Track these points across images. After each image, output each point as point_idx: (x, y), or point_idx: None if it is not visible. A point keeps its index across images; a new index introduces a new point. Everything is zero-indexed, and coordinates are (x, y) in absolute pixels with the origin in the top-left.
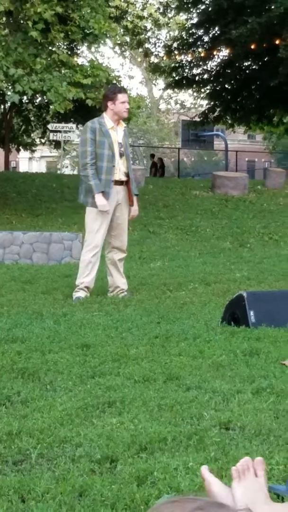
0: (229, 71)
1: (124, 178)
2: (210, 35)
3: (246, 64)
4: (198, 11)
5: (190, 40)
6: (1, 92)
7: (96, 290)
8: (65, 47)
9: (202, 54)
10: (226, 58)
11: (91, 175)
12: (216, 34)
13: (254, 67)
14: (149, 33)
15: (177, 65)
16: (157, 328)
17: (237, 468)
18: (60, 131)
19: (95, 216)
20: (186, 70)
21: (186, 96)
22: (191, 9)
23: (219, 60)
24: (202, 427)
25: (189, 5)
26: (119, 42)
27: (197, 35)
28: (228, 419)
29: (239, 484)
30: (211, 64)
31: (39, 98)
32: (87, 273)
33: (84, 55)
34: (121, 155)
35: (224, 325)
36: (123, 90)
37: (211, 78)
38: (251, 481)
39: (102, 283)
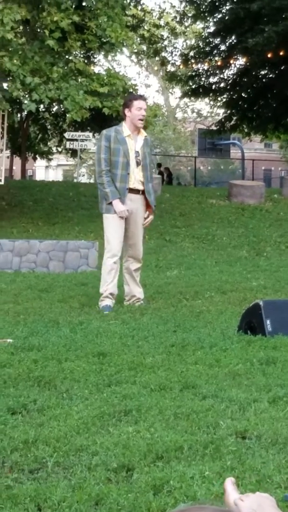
0: (245, 79)
1: (140, 187)
2: (227, 43)
3: (262, 72)
4: (214, 20)
5: (206, 49)
6: (18, 100)
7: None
8: (81, 55)
9: (219, 63)
10: (243, 66)
11: (106, 182)
12: (232, 43)
13: (270, 75)
14: (165, 42)
15: (193, 73)
16: (174, 336)
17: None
18: (76, 140)
19: (111, 222)
20: (203, 79)
21: (203, 105)
22: (208, 18)
23: (235, 69)
24: (218, 436)
25: (206, 14)
26: (135, 50)
27: (213, 44)
28: (245, 428)
29: (247, 497)
30: (228, 73)
31: (56, 107)
32: (110, 280)
33: (101, 64)
34: (137, 163)
35: (241, 333)
36: (139, 97)
37: (228, 87)
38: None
39: (119, 292)
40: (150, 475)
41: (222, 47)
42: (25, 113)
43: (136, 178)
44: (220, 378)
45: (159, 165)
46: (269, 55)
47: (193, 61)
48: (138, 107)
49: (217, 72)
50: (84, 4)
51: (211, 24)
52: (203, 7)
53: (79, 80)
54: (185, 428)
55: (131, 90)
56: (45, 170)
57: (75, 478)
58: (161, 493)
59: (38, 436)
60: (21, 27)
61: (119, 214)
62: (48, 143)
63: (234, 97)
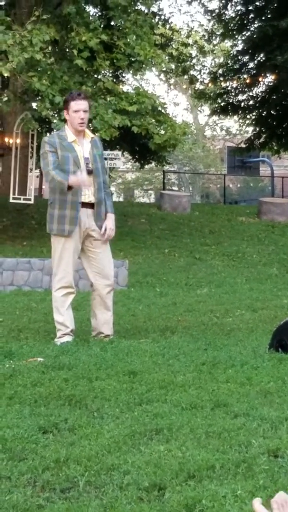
0: (274, 97)
1: (94, 200)
2: (255, 61)
3: None
4: (243, 38)
5: (235, 67)
6: (47, 120)
7: (143, 316)
8: (110, 74)
9: (248, 81)
10: (272, 84)
11: (55, 174)
12: (261, 60)
13: None
14: (194, 60)
15: (222, 91)
16: (204, 354)
17: (277, 500)
18: (105, 159)
19: (64, 245)
20: (232, 97)
21: (232, 123)
22: (236, 36)
23: (264, 86)
24: (250, 454)
25: (234, 32)
26: (164, 69)
27: (242, 62)
28: (277, 446)
29: None
30: (257, 90)
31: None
32: (67, 314)
33: (129, 82)
34: (88, 172)
35: (272, 351)
36: (77, 96)
37: (257, 104)
38: None
39: (149, 310)
40: (182, 494)
41: (251, 65)
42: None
43: (89, 190)
44: (251, 396)
45: None
46: None
47: (221, 79)
48: (75, 109)
49: (246, 89)
50: (112, 23)
51: (239, 42)
52: (231, 25)
53: (108, 99)
54: (217, 447)
55: (160, 109)
56: None
57: (106, 497)
58: None
59: (69, 455)
60: (50, 47)
61: (82, 183)
62: None
63: (263, 114)
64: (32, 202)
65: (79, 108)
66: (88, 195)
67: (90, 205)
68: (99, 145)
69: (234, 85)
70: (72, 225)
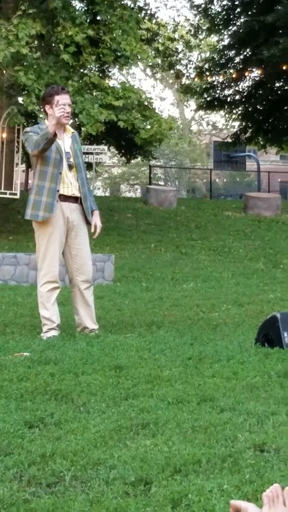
0: (261, 91)
1: (77, 194)
2: (242, 56)
3: (278, 85)
4: (229, 32)
5: (221, 61)
6: (33, 114)
7: (129, 311)
8: (96, 69)
9: (234, 75)
10: (258, 79)
11: (37, 137)
12: (247, 55)
13: (286, 87)
14: (180, 55)
15: (208, 86)
16: (190, 349)
17: (268, 494)
18: (91, 153)
19: (47, 233)
20: (218, 91)
21: (218, 117)
22: (222, 31)
23: (250, 81)
24: (236, 449)
25: (220, 27)
26: (150, 64)
27: (228, 56)
28: (263, 441)
29: (270, 510)
30: (243, 85)
31: (71, 121)
32: (53, 309)
33: (116, 77)
34: (70, 166)
35: (258, 346)
36: (61, 90)
37: (243, 99)
38: (281, 509)
39: (135, 304)
40: (168, 489)
41: (237, 60)
42: None
43: (72, 183)
44: (237, 391)
45: None
46: (284, 67)
47: (208, 73)
48: (61, 103)
49: (232, 84)
50: (98, 18)
51: (225, 36)
52: (218, 20)
53: (94, 93)
54: (203, 442)
55: (146, 103)
56: None
57: (92, 492)
58: (179, 506)
59: (55, 449)
60: (36, 42)
61: (58, 116)
62: None
63: (250, 109)
64: (18, 197)
65: (64, 102)
66: (70, 188)
67: (73, 199)
68: (79, 140)
69: (220, 80)
70: (47, 212)
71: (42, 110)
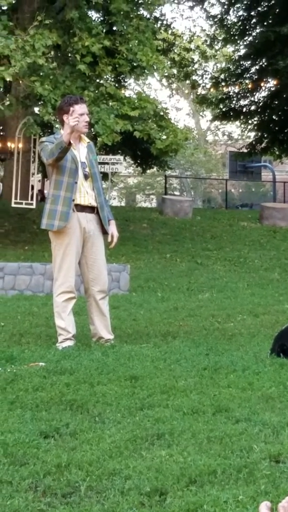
0: (276, 102)
1: (94, 203)
2: (257, 66)
3: None
4: (245, 43)
5: (237, 72)
6: (49, 124)
7: (144, 321)
8: (112, 79)
9: (249, 86)
10: (274, 89)
11: (51, 146)
12: (263, 66)
13: None
14: (196, 65)
15: (224, 96)
16: (206, 359)
17: (284, 505)
18: (107, 163)
19: (64, 243)
20: (233, 102)
21: (234, 128)
22: (238, 41)
23: (266, 91)
24: (252, 460)
25: (236, 37)
26: (166, 74)
27: (244, 67)
28: (279, 452)
29: None
30: (259, 96)
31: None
32: (69, 319)
33: (132, 88)
34: (86, 176)
35: (273, 356)
36: (80, 100)
37: (258, 110)
38: None
39: (150, 314)
40: (183, 499)
41: (253, 70)
42: None
43: (88, 193)
44: (253, 401)
45: None
46: None
47: (223, 84)
48: (80, 113)
49: (248, 94)
50: (115, 28)
51: (241, 47)
52: (233, 30)
53: (110, 104)
54: (218, 452)
55: (162, 114)
56: None
57: (108, 502)
58: None
59: (70, 460)
60: (52, 52)
61: (74, 120)
62: None
63: (265, 119)
64: (34, 206)
65: (83, 111)
66: (86, 198)
67: (90, 209)
68: (94, 150)
69: (236, 90)
70: (62, 221)
71: (58, 120)
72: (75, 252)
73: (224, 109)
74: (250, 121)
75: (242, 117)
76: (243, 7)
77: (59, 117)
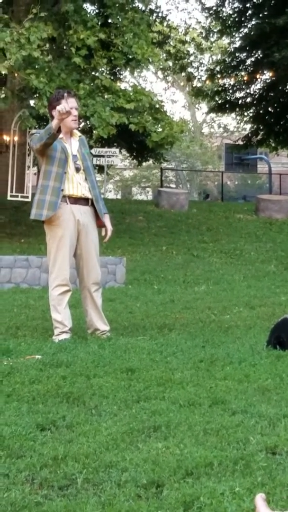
0: (272, 94)
1: (88, 195)
2: (253, 58)
3: None
4: (240, 35)
5: (232, 64)
6: (44, 117)
7: (141, 314)
8: (108, 72)
9: (245, 78)
10: (269, 81)
11: (40, 133)
12: (258, 58)
13: None
14: (191, 58)
15: (220, 89)
16: (202, 352)
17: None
18: (103, 156)
19: (58, 234)
20: (229, 94)
21: (229, 120)
22: (234, 33)
23: (262, 83)
24: (248, 451)
25: (232, 29)
26: (161, 67)
27: (239, 59)
28: (275, 443)
29: None
30: (254, 88)
31: (83, 123)
32: (64, 313)
33: (127, 80)
34: (77, 169)
35: (270, 349)
36: (68, 94)
37: (254, 102)
38: None
39: (147, 307)
40: (180, 491)
41: (248, 62)
42: None
43: (81, 184)
44: (249, 393)
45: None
46: None
47: (219, 76)
48: (69, 107)
49: (244, 87)
50: (110, 21)
51: (237, 39)
52: (229, 22)
53: (106, 96)
54: (215, 444)
55: (157, 106)
56: None
57: (104, 494)
58: (191, 509)
59: (67, 452)
60: (47, 45)
61: (62, 109)
62: None
63: (261, 111)
64: (29, 199)
65: (72, 106)
66: (79, 189)
67: (83, 201)
68: (86, 144)
69: (232, 82)
70: (50, 211)
71: (49, 115)
72: (69, 244)
73: (219, 101)
74: (245, 113)
75: (237, 109)
76: None
77: (49, 112)
